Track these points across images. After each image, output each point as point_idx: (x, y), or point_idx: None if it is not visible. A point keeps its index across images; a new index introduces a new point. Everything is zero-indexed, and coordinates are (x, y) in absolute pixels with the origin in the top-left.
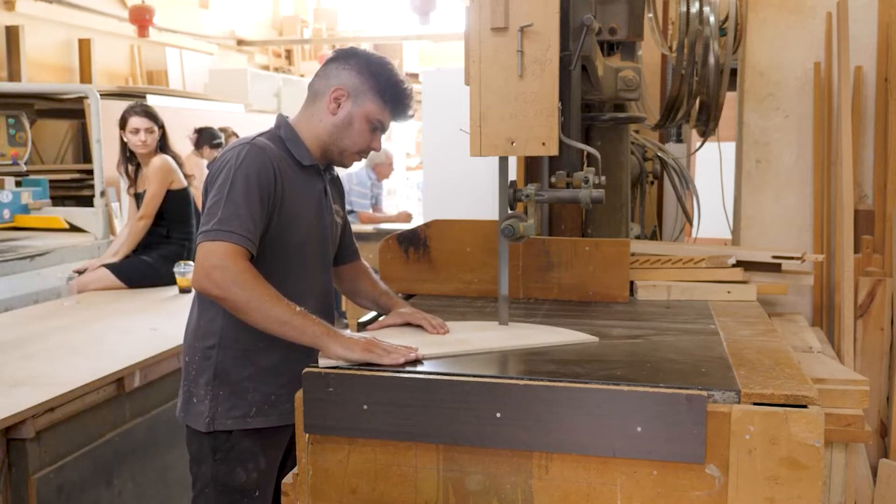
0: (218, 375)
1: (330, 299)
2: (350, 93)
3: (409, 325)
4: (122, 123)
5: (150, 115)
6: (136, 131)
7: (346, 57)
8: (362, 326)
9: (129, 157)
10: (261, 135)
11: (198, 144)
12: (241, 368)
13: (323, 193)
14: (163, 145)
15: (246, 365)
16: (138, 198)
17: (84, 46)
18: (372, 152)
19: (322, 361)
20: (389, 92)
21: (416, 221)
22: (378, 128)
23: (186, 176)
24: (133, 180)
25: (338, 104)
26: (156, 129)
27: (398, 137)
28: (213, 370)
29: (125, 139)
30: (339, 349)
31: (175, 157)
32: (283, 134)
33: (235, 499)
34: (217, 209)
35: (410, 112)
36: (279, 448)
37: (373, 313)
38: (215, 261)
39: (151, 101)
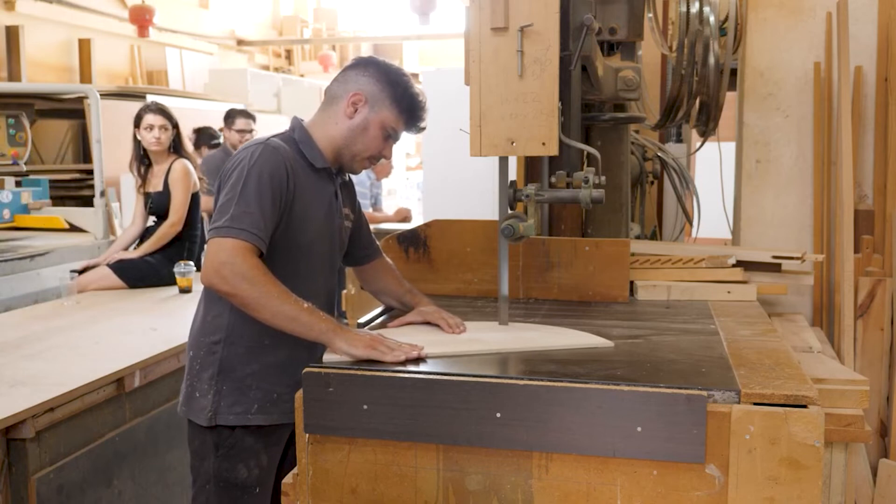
0: (222, 370)
1: (332, 300)
2: (368, 99)
3: (428, 323)
4: (137, 121)
5: (164, 113)
6: (151, 128)
7: (366, 64)
8: (362, 328)
9: (142, 157)
10: (275, 136)
11: (196, 144)
12: (245, 365)
13: (333, 196)
14: (177, 145)
15: (250, 362)
16: (147, 197)
17: (84, 46)
18: None
19: (327, 357)
20: (406, 102)
21: (416, 221)
22: (391, 136)
23: (199, 179)
24: (144, 180)
25: (355, 109)
26: (170, 127)
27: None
28: (217, 365)
29: (139, 137)
30: (343, 345)
31: (190, 159)
32: (296, 136)
33: (236, 495)
34: (229, 206)
35: (424, 124)
36: (280, 446)
37: (372, 314)
38: (224, 257)
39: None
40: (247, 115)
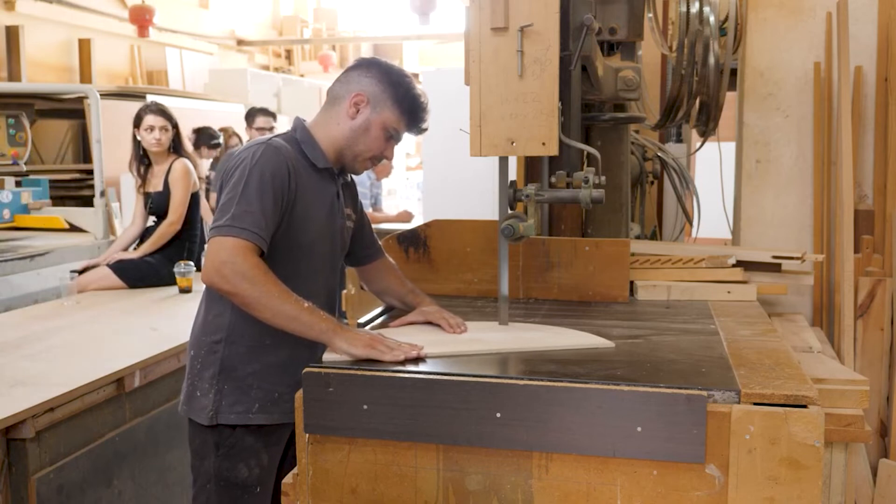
0: (223, 370)
1: (334, 300)
2: (370, 99)
3: (429, 323)
4: (137, 122)
5: (164, 113)
6: (151, 129)
7: (369, 65)
8: (362, 328)
9: (142, 157)
10: (277, 136)
11: (196, 144)
12: (246, 364)
13: (335, 197)
14: (176, 145)
15: (251, 361)
16: (147, 197)
17: (84, 46)
18: None
19: (327, 356)
20: (408, 103)
21: (416, 221)
22: (393, 137)
23: (199, 178)
24: (143, 180)
25: (357, 109)
26: (170, 127)
27: None
28: (218, 364)
29: (139, 137)
30: (343, 344)
31: (190, 158)
32: (298, 136)
33: (237, 495)
34: (230, 206)
35: (425, 126)
36: (280, 445)
37: (372, 314)
38: (225, 256)
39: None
40: (267, 112)
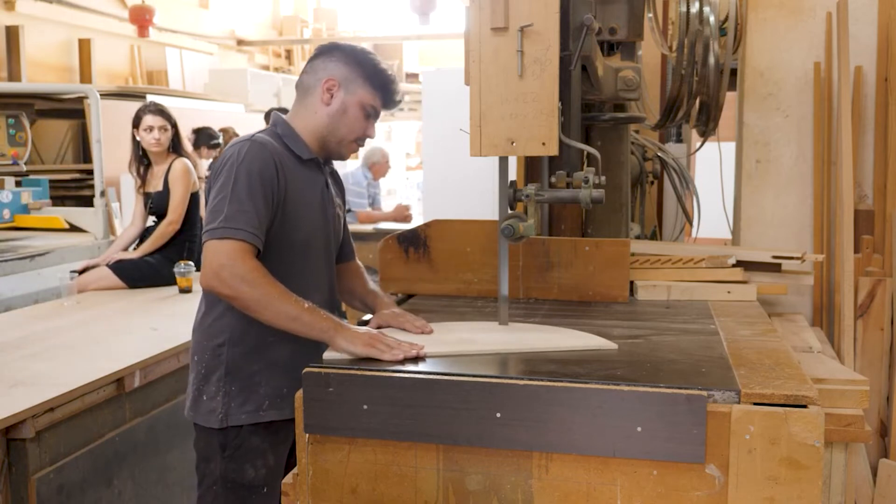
0: (229, 372)
1: (334, 294)
2: (341, 82)
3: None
4: (136, 122)
5: (163, 113)
6: (150, 129)
7: (331, 50)
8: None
9: (141, 157)
10: (259, 132)
11: (196, 145)
12: (251, 364)
13: (325, 186)
14: (176, 145)
15: (256, 360)
16: (147, 197)
17: (84, 46)
18: (367, 152)
19: (327, 354)
20: (378, 78)
21: (416, 221)
22: (371, 114)
23: (199, 178)
24: (143, 180)
25: (331, 94)
26: (169, 127)
27: (398, 137)
28: (224, 367)
29: (138, 138)
30: (343, 343)
31: (190, 158)
32: (280, 131)
33: (243, 495)
34: (222, 207)
35: (398, 98)
36: (287, 444)
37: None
38: (223, 260)
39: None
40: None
